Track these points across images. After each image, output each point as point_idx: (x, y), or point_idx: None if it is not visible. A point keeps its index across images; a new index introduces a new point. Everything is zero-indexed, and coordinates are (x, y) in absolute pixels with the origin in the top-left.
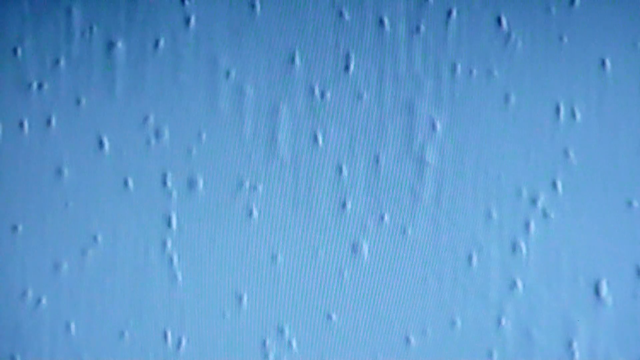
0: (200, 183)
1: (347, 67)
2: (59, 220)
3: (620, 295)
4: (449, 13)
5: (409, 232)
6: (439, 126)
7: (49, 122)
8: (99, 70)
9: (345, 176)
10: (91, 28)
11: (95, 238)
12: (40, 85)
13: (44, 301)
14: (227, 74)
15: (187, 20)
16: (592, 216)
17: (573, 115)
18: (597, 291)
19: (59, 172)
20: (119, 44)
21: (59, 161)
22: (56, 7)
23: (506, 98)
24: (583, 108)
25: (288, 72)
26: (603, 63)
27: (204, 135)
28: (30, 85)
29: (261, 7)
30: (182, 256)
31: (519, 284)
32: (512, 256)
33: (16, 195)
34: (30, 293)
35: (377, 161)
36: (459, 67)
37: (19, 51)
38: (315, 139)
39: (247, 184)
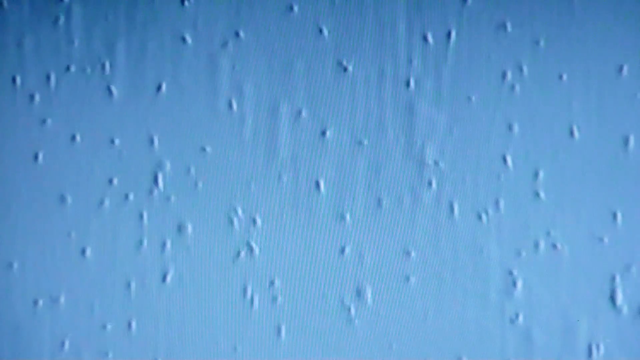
0: (190, 228)
1: (345, 69)
2: (59, 248)
3: (633, 298)
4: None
5: (412, 281)
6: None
7: (36, 156)
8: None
9: (349, 222)
10: (89, 35)
11: (83, 253)
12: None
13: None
14: (229, 105)
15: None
16: (594, 217)
17: (570, 125)
18: (610, 298)
19: (63, 200)
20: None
21: (63, 189)
22: (56, 10)
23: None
24: (580, 121)
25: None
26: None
27: (200, 184)
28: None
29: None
30: (176, 299)
31: (521, 317)
32: (511, 291)
33: (17, 223)
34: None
35: (380, 204)
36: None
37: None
38: (318, 185)
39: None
